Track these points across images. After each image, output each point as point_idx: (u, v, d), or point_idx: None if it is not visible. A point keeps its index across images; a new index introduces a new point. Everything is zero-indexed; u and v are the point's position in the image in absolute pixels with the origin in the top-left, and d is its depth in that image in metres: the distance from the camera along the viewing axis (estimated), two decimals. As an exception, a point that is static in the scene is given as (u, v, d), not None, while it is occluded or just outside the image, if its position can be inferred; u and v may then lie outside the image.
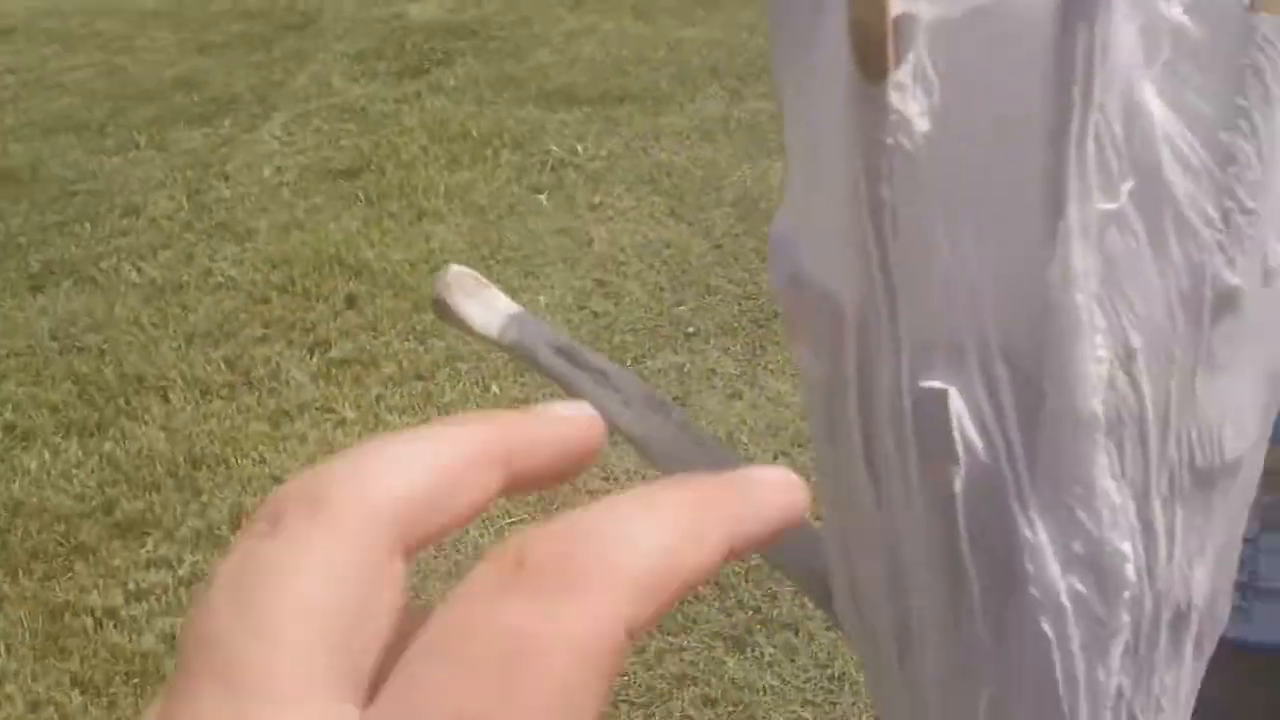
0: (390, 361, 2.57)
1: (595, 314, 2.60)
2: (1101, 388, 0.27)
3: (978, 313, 0.27)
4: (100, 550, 2.14)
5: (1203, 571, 0.30)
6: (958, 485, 0.28)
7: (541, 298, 2.66)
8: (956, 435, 0.28)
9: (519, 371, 2.44)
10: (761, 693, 1.76)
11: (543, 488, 0.24)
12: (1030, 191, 0.27)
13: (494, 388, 2.43)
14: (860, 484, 0.29)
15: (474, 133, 3.33)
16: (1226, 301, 0.28)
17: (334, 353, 2.61)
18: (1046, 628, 0.30)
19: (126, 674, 1.90)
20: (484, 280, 0.37)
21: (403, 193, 3.14)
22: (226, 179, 3.33)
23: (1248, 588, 1.69)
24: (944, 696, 0.32)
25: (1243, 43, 0.26)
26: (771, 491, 0.23)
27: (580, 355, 0.37)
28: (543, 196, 3.05)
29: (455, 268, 0.38)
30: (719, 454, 0.31)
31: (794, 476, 0.23)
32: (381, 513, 0.22)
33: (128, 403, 2.50)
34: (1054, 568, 0.29)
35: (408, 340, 2.63)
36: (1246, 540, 1.37)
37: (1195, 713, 1.35)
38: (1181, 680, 0.32)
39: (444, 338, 2.60)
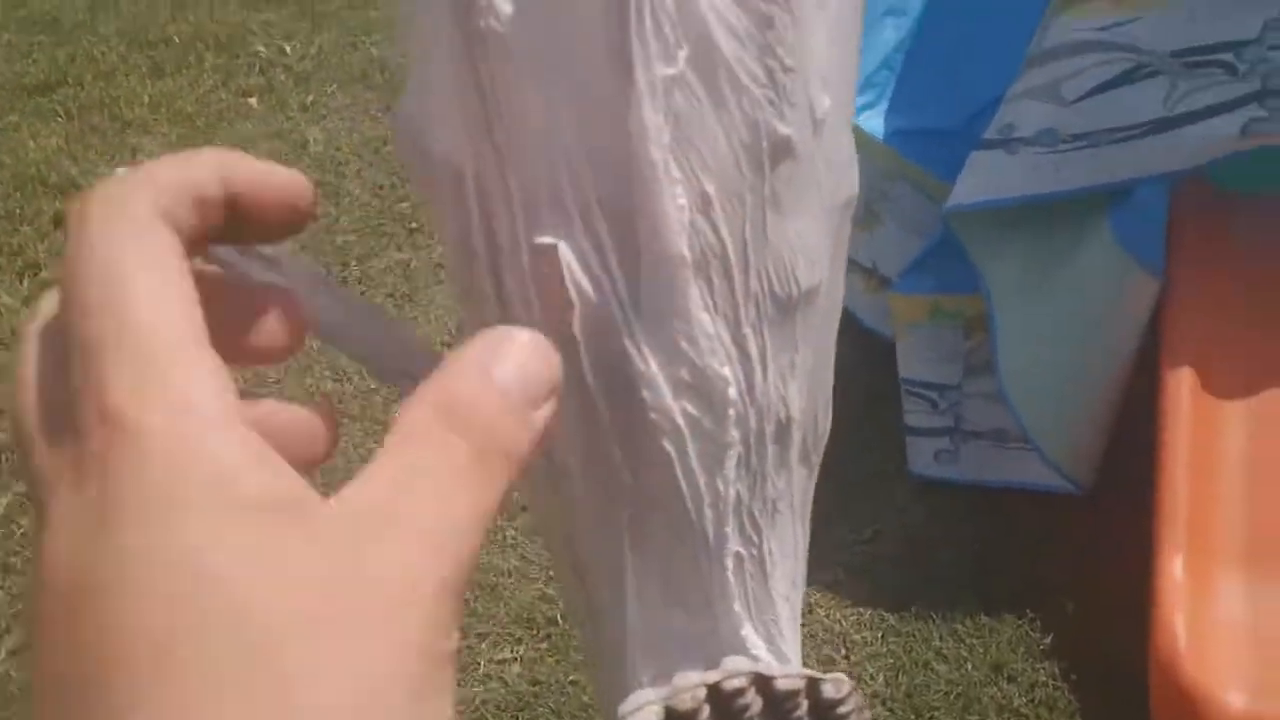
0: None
1: (315, 217, 2.58)
2: (686, 231, 0.31)
3: (575, 173, 0.31)
4: None
5: (795, 387, 0.35)
6: (576, 328, 0.32)
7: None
8: (569, 283, 0.32)
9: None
10: (506, 575, 1.81)
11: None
12: (606, 60, 0.30)
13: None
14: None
15: (175, 38, 3.21)
16: (782, 149, 0.32)
17: (44, 275, 2.51)
18: (668, 447, 0.34)
19: None
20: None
21: (104, 105, 3.01)
22: (-92, 104, 3.14)
23: (954, 431, 1.82)
24: (591, 516, 0.36)
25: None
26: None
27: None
28: (253, 100, 2.97)
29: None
30: (392, 328, 0.34)
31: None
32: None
33: None
34: (667, 394, 0.33)
35: (122, 256, 2.56)
36: (951, 387, 1.47)
37: (908, 549, 1.46)
38: (793, 486, 0.37)
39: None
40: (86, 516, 0.24)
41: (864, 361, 1.95)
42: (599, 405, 0.33)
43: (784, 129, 0.32)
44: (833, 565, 1.78)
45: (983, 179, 1.58)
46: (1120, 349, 1.65)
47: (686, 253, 0.32)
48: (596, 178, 0.31)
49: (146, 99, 3.00)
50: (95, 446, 0.24)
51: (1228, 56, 1.45)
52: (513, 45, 0.30)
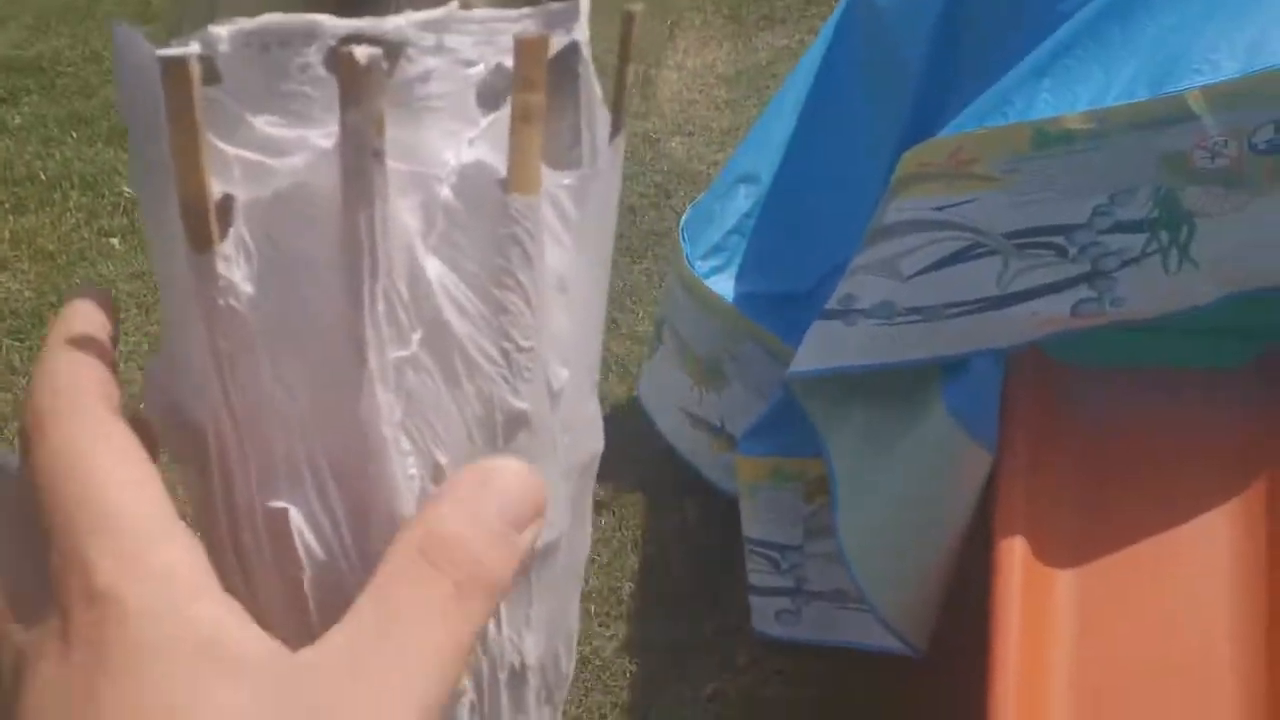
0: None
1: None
2: (416, 497, 0.33)
3: (309, 443, 0.32)
4: None
5: (532, 639, 0.36)
6: (306, 585, 0.33)
7: (121, 347, 2.58)
8: (299, 546, 0.33)
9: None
10: None
11: None
12: (341, 343, 0.32)
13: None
14: (237, 577, 0.33)
15: (41, 175, 3.19)
16: (516, 422, 0.34)
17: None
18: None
19: None
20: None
21: (-38, 241, 2.97)
22: None
23: (796, 592, 1.84)
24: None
25: (500, 215, 0.32)
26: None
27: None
28: (114, 240, 2.95)
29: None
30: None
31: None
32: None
33: None
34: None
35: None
36: (793, 548, 1.49)
37: (747, 709, 1.46)
38: (530, 726, 0.39)
39: (11, 390, 2.48)
40: (76, 679, 0.25)
41: (709, 520, 1.97)
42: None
43: (519, 404, 0.33)
44: (673, 726, 1.79)
45: (823, 348, 1.63)
46: (953, 519, 1.69)
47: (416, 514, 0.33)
48: (328, 448, 0.32)
49: (8, 235, 2.97)
50: (85, 619, 0.26)
51: (1058, 239, 1.51)
52: (251, 323, 0.32)
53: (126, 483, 0.29)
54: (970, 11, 1.72)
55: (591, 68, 0.36)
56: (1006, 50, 1.54)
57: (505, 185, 0.32)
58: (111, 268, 2.85)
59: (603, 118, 0.36)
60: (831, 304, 1.62)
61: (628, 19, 0.36)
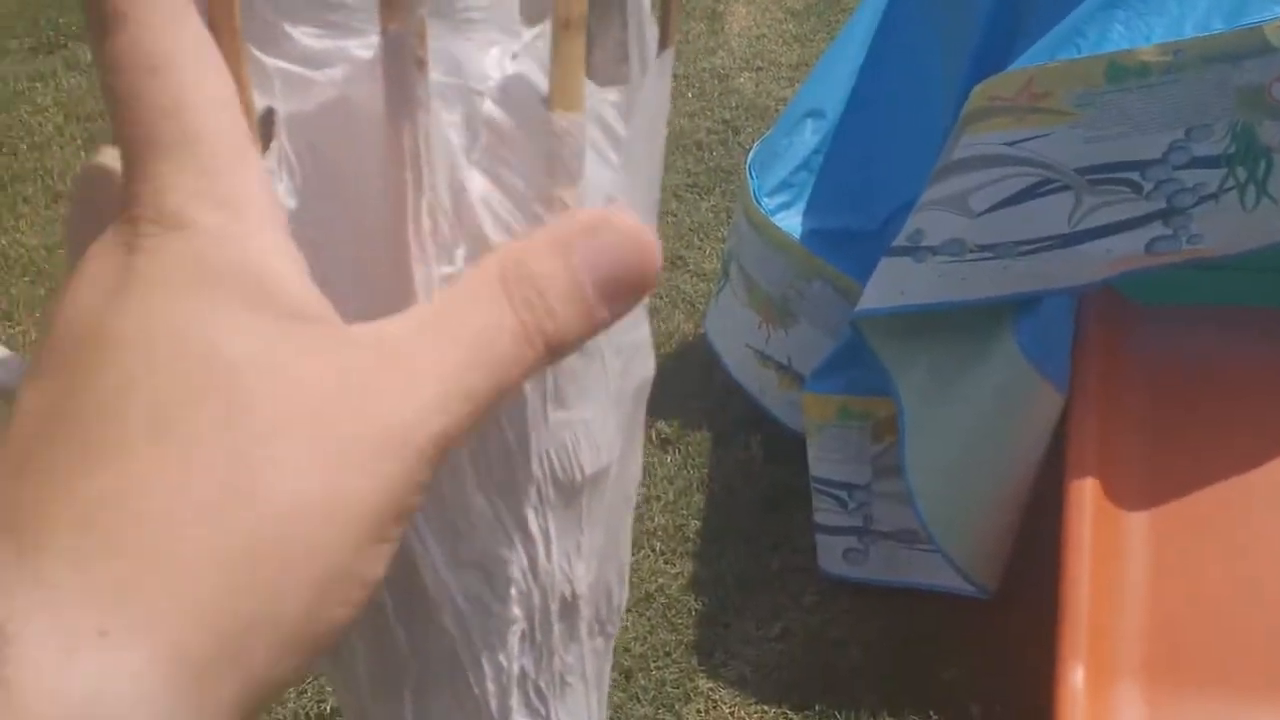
0: (27, 352, 2.47)
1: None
2: (464, 421, 0.32)
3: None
4: None
5: (582, 566, 0.36)
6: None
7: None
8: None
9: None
10: None
11: None
12: (385, 258, 0.31)
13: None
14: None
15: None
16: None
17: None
18: (449, 625, 0.35)
19: None
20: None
21: (37, 175, 3.01)
22: None
23: (863, 531, 1.83)
24: (373, 691, 0.36)
25: (545, 133, 0.31)
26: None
27: None
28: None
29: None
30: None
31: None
32: None
33: None
34: (447, 574, 0.34)
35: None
36: (860, 487, 1.48)
37: (814, 648, 1.46)
38: (584, 658, 0.38)
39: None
40: (123, 277, 0.25)
41: (775, 457, 1.96)
42: (380, 588, 0.34)
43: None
44: (739, 661, 1.79)
45: (891, 285, 1.61)
46: (1024, 457, 1.67)
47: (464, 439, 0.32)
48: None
49: (80, 170, 3.00)
50: (149, 231, 0.25)
51: (1133, 175, 1.48)
52: (297, 237, 0.31)
53: (211, 100, 0.27)
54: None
55: (640, -20, 0.35)
56: (1078, -19, 1.50)
57: (548, 102, 0.31)
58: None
59: (651, 32, 0.35)
60: (900, 240, 1.60)
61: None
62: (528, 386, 0.32)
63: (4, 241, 2.78)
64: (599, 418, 0.35)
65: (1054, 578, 1.49)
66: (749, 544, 1.96)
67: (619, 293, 0.29)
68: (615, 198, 0.34)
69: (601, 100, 0.33)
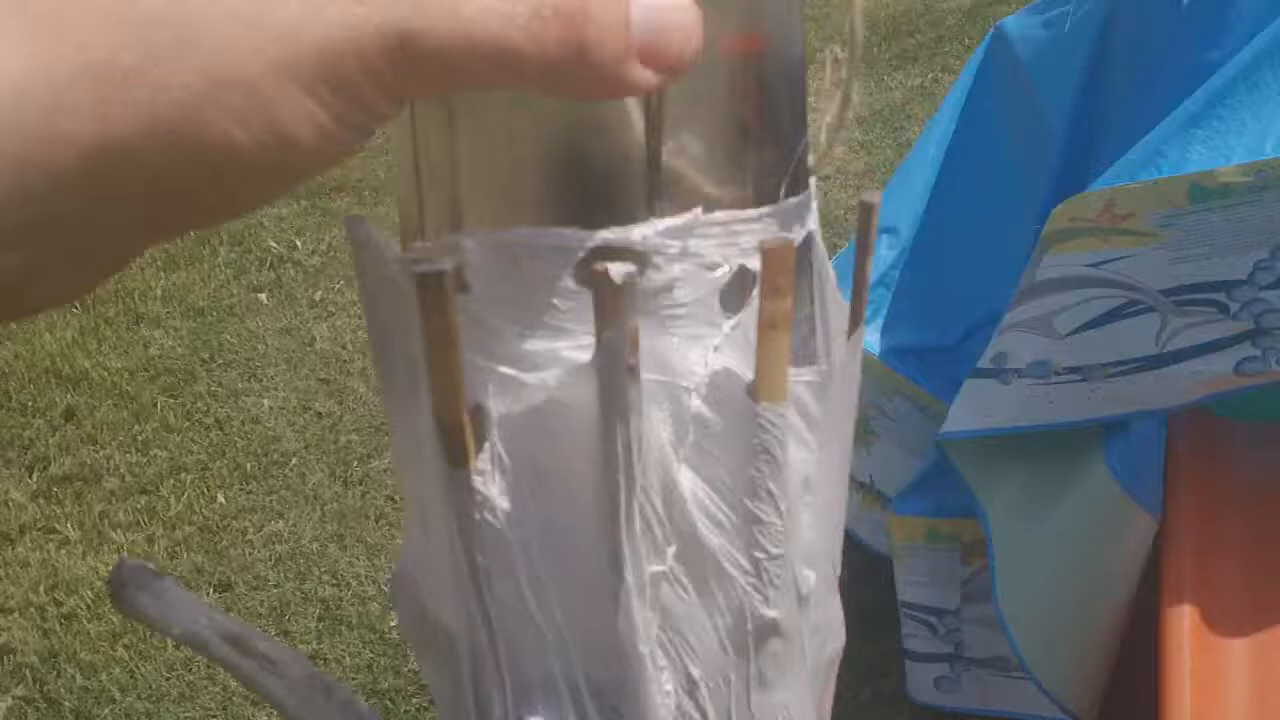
0: (112, 475, 2.51)
1: (320, 414, 2.59)
2: (672, 714, 0.33)
3: (565, 657, 0.32)
4: None
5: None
6: (560, 795, 0.33)
7: (265, 400, 2.63)
8: (554, 758, 0.33)
9: (244, 479, 2.42)
10: None
11: None
12: (596, 558, 0.32)
13: (220, 497, 2.40)
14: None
15: (190, 232, 3.27)
16: (767, 630, 0.33)
17: (54, 469, 2.53)
18: None
19: None
20: (156, 570, 0.40)
21: (118, 297, 3.07)
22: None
23: (955, 658, 1.81)
24: None
25: (750, 425, 0.32)
26: None
27: (248, 641, 0.40)
28: (263, 295, 3.03)
29: (128, 561, 0.40)
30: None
31: None
32: None
33: None
34: None
35: (129, 452, 2.57)
36: (950, 613, 1.46)
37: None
38: None
39: (166, 447, 2.55)
40: None
41: (861, 579, 1.95)
42: None
43: (769, 612, 0.33)
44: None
45: (977, 407, 1.60)
46: (1118, 583, 1.65)
47: (672, 730, 0.33)
48: (585, 661, 0.32)
49: (159, 292, 3.06)
50: None
51: (1219, 296, 1.47)
52: (508, 538, 0.32)
53: None
54: (1115, 63, 1.69)
55: (826, 257, 0.36)
56: (1154, 101, 1.51)
57: (753, 393, 0.32)
58: (260, 323, 2.92)
59: (839, 309, 0.36)
60: (984, 362, 1.59)
61: (865, 209, 0.36)
62: (731, 672, 0.33)
63: (87, 364, 2.83)
64: (797, 699, 0.35)
65: (1152, 707, 1.47)
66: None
67: (662, 53, 0.27)
68: (811, 479, 0.35)
69: (797, 379, 0.34)
